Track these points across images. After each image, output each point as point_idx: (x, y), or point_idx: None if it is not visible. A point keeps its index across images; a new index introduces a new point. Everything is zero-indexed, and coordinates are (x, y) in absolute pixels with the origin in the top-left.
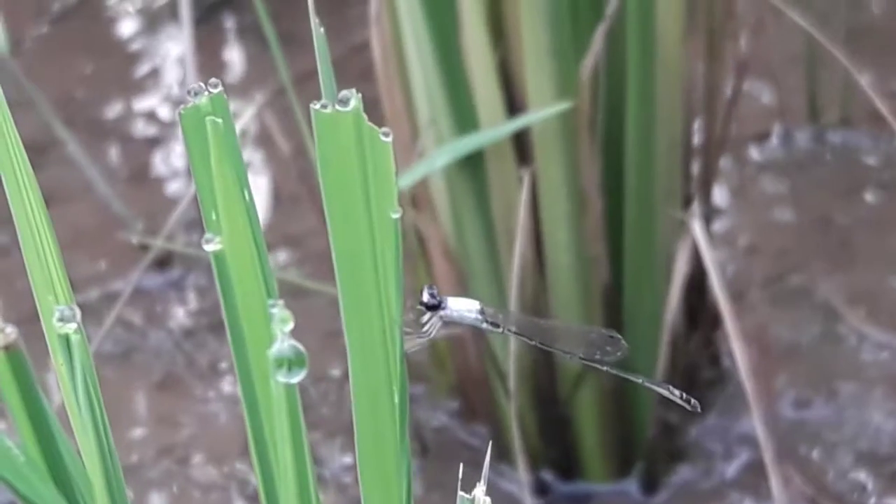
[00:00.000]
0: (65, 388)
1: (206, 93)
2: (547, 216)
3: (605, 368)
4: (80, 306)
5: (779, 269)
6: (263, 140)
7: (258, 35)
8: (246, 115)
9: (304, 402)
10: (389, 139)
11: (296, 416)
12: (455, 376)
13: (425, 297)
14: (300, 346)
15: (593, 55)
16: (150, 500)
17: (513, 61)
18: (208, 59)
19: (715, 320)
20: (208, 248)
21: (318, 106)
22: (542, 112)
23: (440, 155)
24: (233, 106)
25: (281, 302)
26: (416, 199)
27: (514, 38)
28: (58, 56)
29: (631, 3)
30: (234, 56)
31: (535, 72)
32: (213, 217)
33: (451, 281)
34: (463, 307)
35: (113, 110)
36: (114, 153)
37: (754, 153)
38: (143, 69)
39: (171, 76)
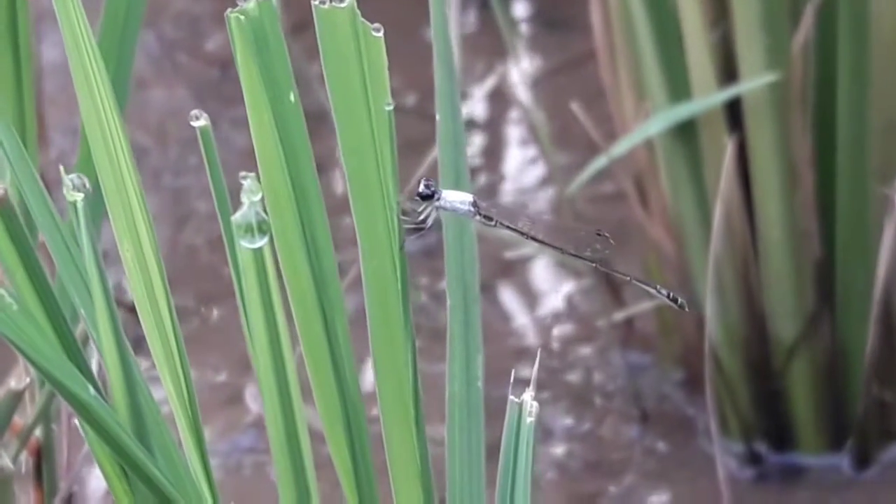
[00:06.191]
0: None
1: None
2: (758, 189)
3: (594, 265)
4: (338, 265)
5: None
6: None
7: (542, 20)
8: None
9: None
10: (380, 34)
11: (264, 280)
12: (680, 347)
13: (421, 188)
14: (264, 215)
15: (805, 29)
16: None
17: (733, 38)
18: (489, 42)
19: None
20: (195, 124)
21: (317, 1)
22: (751, 82)
23: (654, 122)
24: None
25: (253, 174)
26: (639, 175)
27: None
28: None
29: None
30: (516, 40)
31: (747, 44)
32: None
33: (666, 246)
34: (456, 199)
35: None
36: None
37: None
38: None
39: None
